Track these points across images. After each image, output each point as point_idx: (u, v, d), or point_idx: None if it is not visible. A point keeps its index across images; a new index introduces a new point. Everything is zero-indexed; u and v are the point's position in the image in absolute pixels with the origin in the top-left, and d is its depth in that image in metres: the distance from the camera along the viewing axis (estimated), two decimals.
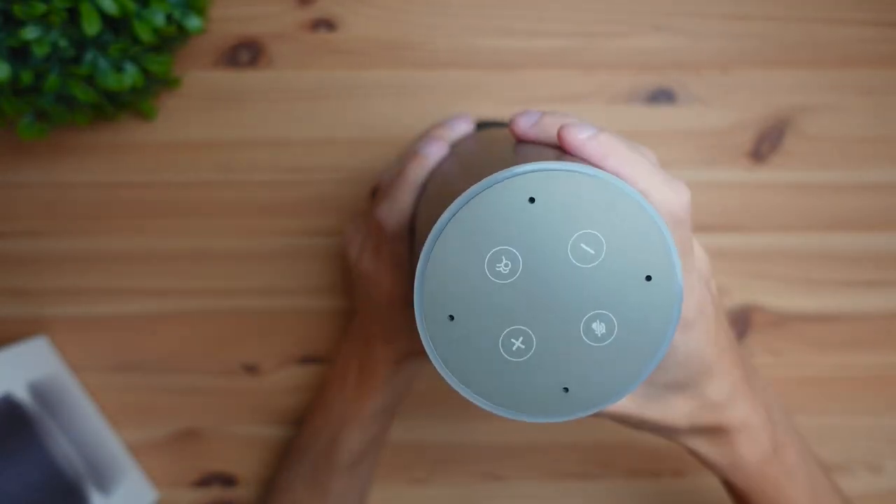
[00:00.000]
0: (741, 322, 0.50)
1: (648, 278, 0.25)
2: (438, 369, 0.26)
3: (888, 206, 0.50)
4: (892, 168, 0.49)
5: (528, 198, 0.25)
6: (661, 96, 0.48)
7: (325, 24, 0.48)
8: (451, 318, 0.26)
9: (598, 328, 0.26)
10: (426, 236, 0.27)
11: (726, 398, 0.33)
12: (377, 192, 0.42)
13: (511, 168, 0.25)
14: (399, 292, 0.41)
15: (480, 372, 0.26)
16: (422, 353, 0.44)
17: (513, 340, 0.26)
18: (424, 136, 0.41)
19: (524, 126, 0.31)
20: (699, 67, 0.48)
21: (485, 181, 0.25)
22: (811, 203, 0.49)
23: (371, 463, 0.47)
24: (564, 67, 0.48)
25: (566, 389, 0.26)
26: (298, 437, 0.47)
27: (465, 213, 0.25)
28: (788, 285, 0.50)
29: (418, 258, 0.28)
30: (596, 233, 0.25)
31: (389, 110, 0.48)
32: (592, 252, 0.25)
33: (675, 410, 0.33)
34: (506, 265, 0.25)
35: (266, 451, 0.51)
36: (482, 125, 0.46)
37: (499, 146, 0.32)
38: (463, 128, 0.41)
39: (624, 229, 0.25)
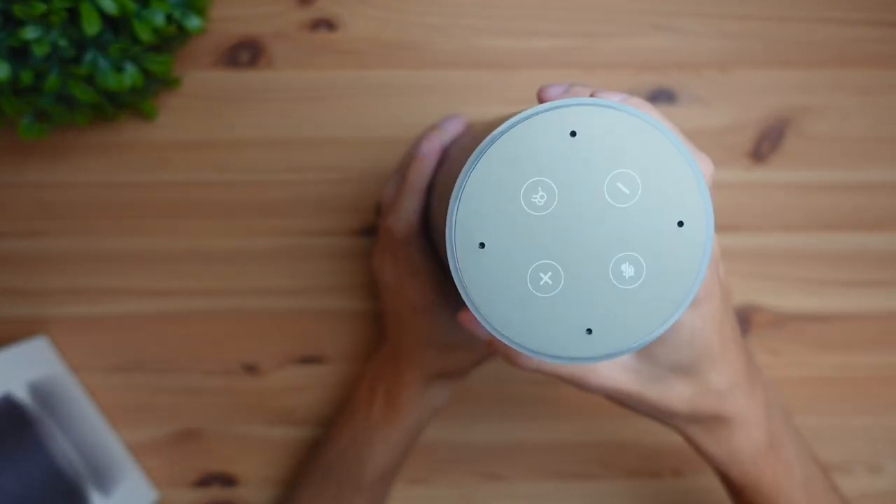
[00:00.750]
0: (741, 322, 0.50)
1: (681, 224, 0.25)
2: (464, 298, 0.26)
3: (888, 206, 0.50)
4: (892, 168, 0.49)
5: (570, 131, 0.25)
6: (661, 96, 0.48)
7: (325, 24, 0.48)
8: (482, 245, 0.25)
9: (627, 270, 0.25)
10: (450, 194, 0.27)
11: (727, 388, 0.33)
12: (382, 207, 0.43)
13: (554, 101, 0.25)
14: (420, 301, 0.41)
15: (505, 305, 0.26)
16: (450, 374, 0.44)
17: (541, 275, 0.25)
18: (419, 140, 0.41)
19: (554, 95, 0.31)
20: (699, 67, 0.48)
21: (528, 111, 0.25)
22: (811, 203, 0.49)
23: (393, 479, 0.47)
24: (564, 67, 0.48)
25: (589, 331, 0.26)
26: (321, 457, 0.47)
27: (507, 141, 0.25)
28: (788, 285, 0.50)
29: (443, 210, 0.28)
30: (633, 173, 0.25)
31: (389, 110, 0.48)
32: (627, 192, 0.25)
33: (676, 394, 0.33)
34: (541, 197, 0.25)
35: (266, 451, 0.51)
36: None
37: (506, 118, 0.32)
38: (454, 125, 0.41)
39: (661, 173, 0.25)
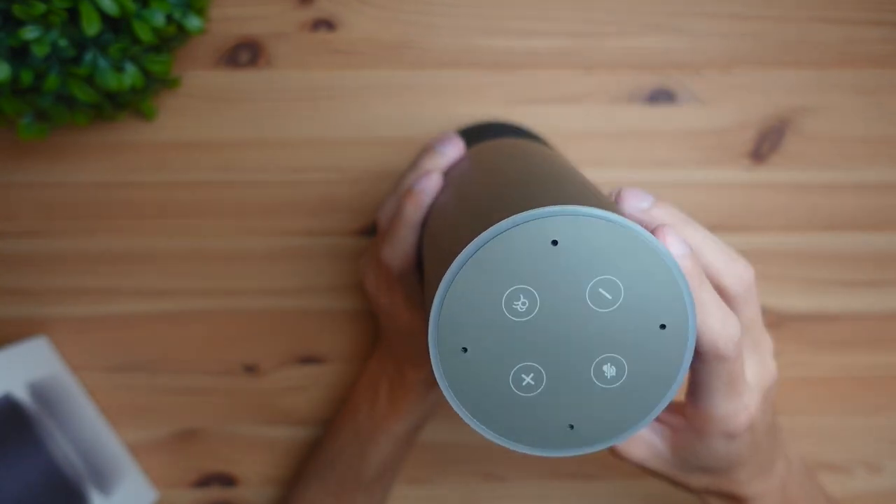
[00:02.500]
0: None
1: (663, 326, 0.26)
2: (448, 399, 0.26)
3: (888, 206, 0.50)
4: (892, 168, 0.49)
5: (551, 240, 0.25)
6: (661, 96, 0.48)
7: (325, 24, 0.48)
8: (465, 350, 0.26)
9: (609, 371, 0.26)
10: (436, 275, 0.27)
11: (747, 478, 0.35)
12: (378, 229, 0.42)
13: (535, 210, 0.25)
14: (418, 324, 0.41)
15: (489, 404, 0.26)
16: None
17: (523, 376, 0.26)
18: (415, 165, 0.40)
19: (633, 205, 0.31)
20: (699, 67, 0.48)
21: (508, 221, 0.25)
22: (811, 203, 0.49)
23: (393, 476, 0.47)
24: (564, 67, 0.48)
25: (571, 427, 0.26)
26: (322, 454, 0.47)
27: (487, 251, 0.25)
28: (788, 285, 0.50)
29: (429, 292, 0.28)
30: (615, 279, 0.25)
31: (389, 110, 0.48)
32: (610, 297, 0.25)
33: (697, 481, 0.35)
34: (523, 304, 0.25)
35: (266, 451, 0.51)
36: (467, 134, 0.45)
37: (502, 172, 0.32)
38: (453, 152, 0.40)
39: (643, 277, 0.25)
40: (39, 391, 0.46)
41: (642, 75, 0.48)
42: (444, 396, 0.45)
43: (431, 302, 0.26)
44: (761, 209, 0.49)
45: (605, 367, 0.26)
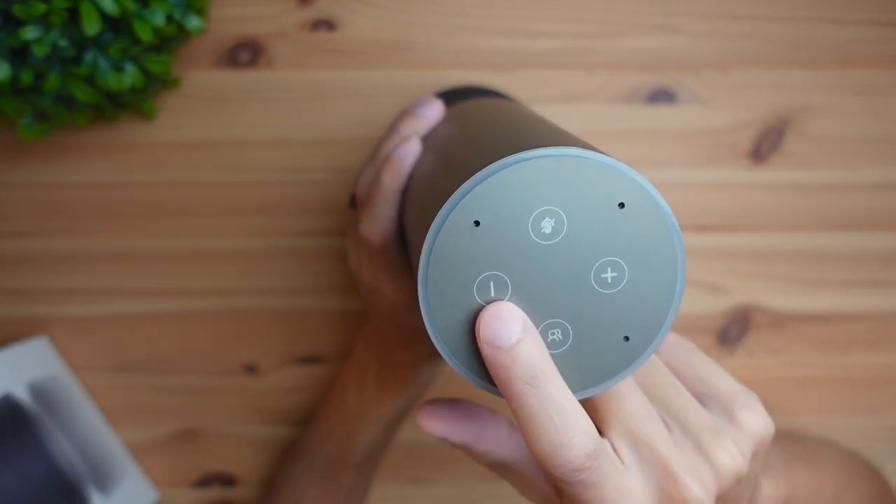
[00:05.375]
0: (741, 322, 0.50)
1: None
2: (447, 360, 0.26)
3: (888, 206, 0.50)
4: (892, 168, 0.49)
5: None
6: (661, 96, 0.48)
7: (325, 24, 0.48)
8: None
9: (610, 274, 0.25)
10: (421, 235, 0.27)
11: None
12: (355, 201, 0.40)
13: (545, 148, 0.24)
14: (403, 300, 0.40)
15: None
16: None
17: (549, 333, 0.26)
18: (393, 131, 0.38)
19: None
20: (699, 67, 0.48)
21: (510, 159, 0.24)
22: (811, 203, 0.49)
23: (380, 457, 0.47)
24: (564, 67, 0.48)
25: (626, 338, 0.26)
26: (309, 434, 0.47)
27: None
28: (788, 285, 0.50)
29: (416, 252, 0.28)
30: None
31: (389, 110, 0.48)
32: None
33: None
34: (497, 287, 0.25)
35: (266, 451, 0.51)
36: (447, 96, 0.44)
37: (490, 130, 0.30)
38: (433, 114, 0.37)
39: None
40: (39, 391, 0.46)
41: (642, 75, 0.48)
42: (432, 373, 0.45)
43: (419, 261, 0.25)
44: (761, 209, 0.49)
45: (608, 271, 0.25)
